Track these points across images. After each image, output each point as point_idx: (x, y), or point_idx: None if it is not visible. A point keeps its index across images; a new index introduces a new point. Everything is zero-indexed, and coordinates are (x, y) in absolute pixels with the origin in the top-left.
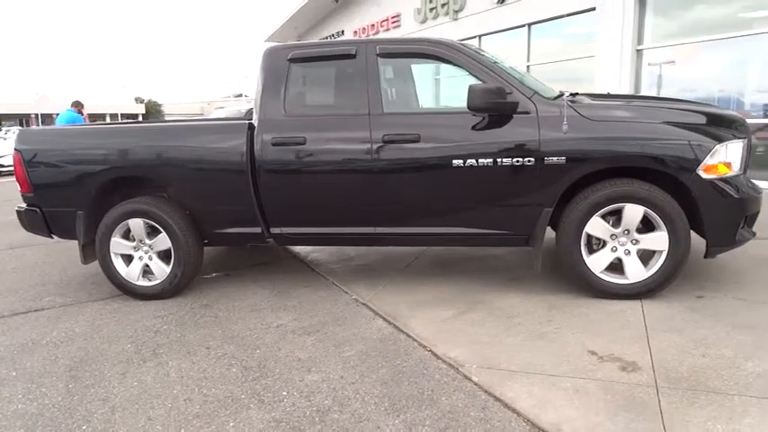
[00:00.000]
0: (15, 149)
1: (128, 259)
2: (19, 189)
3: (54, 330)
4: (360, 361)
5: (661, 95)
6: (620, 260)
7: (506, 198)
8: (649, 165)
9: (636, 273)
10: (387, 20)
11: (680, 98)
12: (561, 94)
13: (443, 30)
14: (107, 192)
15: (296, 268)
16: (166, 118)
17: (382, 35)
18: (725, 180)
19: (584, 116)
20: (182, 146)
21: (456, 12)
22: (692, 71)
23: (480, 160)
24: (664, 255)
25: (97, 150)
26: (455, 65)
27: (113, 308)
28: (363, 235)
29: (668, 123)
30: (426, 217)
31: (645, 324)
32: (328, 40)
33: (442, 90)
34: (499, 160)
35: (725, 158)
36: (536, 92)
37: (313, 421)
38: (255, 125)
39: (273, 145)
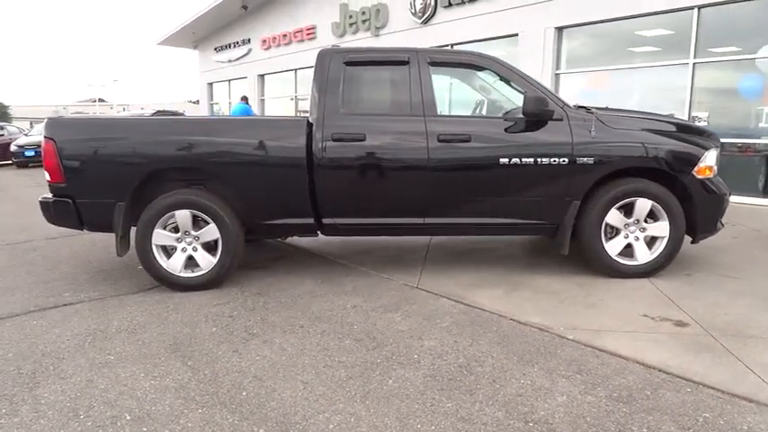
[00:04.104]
0: (47, 137)
1: (165, 251)
2: (48, 179)
3: (114, 320)
4: (460, 329)
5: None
6: (630, 245)
7: (543, 192)
8: (659, 166)
9: (644, 255)
10: (301, 31)
11: (660, 113)
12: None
13: (363, 45)
14: (149, 183)
15: (319, 261)
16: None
17: (295, 46)
18: (710, 180)
19: (607, 124)
20: (239, 140)
21: (378, 28)
22: (600, 94)
23: (523, 159)
24: (665, 240)
25: (148, 142)
26: (500, 76)
27: (156, 299)
28: (412, 225)
29: (670, 134)
30: (472, 209)
31: (665, 295)
32: (375, 47)
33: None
34: (539, 160)
35: (709, 163)
36: (565, 102)
37: (462, 373)
38: (313, 122)
39: (333, 140)
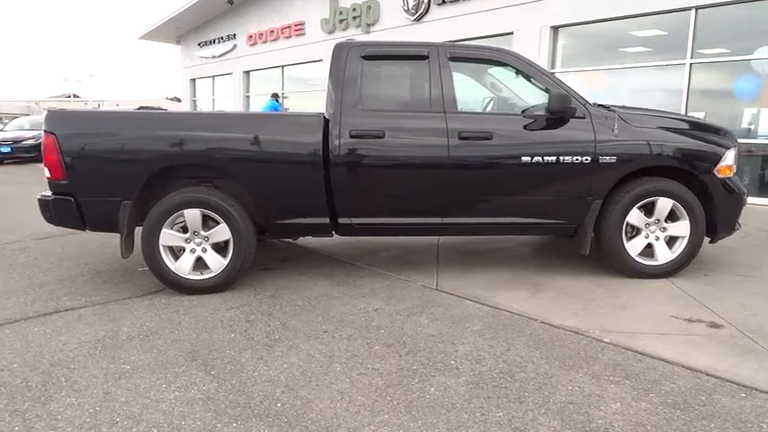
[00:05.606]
0: (47, 131)
1: (172, 252)
2: (47, 175)
3: (122, 326)
4: (492, 333)
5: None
6: (650, 245)
7: (565, 191)
8: (681, 165)
9: (664, 255)
10: (289, 27)
11: (679, 113)
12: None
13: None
14: (156, 180)
15: (329, 262)
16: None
17: (283, 42)
18: (730, 179)
19: (629, 123)
20: (253, 136)
21: (369, 25)
22: (596, 94)
23: (546, 157)
24: (686, 240)
25: (157, 137)
26: (522, 72)
27: (165, 303)
28: (431, 225)
29: (690, 132)
30: (492, 208)
31: (689, 295)
32: (394, 41)
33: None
34: (561, 158)
35: (728, 162)
36: (587, 100)
37: (506, 380)
38: (329, 118)
39: (351, 137)
